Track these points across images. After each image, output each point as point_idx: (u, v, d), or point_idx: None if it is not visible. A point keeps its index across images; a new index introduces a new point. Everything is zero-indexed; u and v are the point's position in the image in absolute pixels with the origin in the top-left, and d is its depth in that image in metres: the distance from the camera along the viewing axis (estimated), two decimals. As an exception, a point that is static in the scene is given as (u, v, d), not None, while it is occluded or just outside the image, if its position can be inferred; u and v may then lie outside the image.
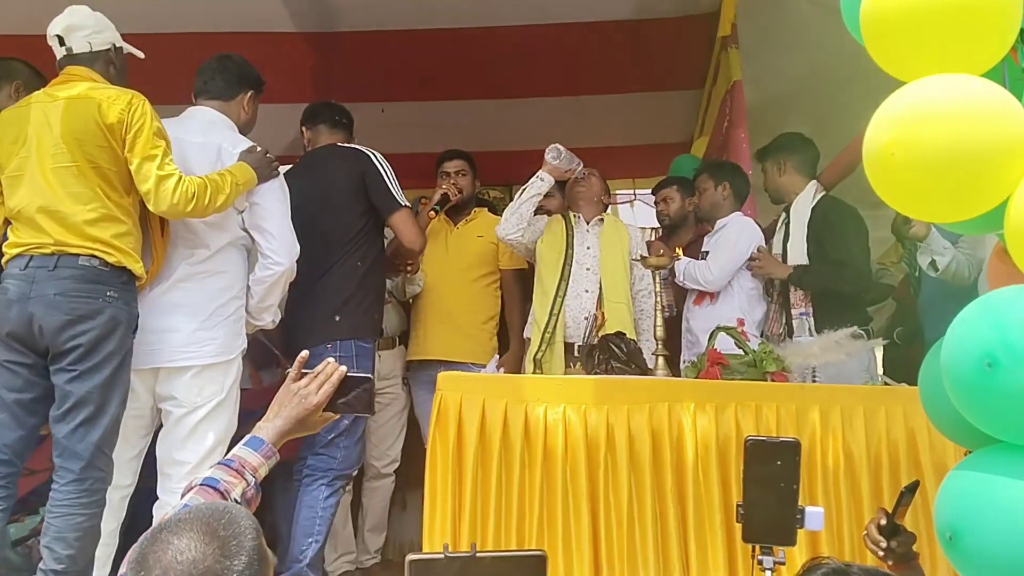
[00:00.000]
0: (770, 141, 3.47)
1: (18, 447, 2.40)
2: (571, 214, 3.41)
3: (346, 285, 3.02)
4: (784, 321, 3.23)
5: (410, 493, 3.91)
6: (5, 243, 2.46)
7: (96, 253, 2.38)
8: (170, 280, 2.62)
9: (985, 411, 1.13)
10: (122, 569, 1.06)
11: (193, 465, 2.53)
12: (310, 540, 2.88)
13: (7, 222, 2.49)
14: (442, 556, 1.40)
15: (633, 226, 3.67)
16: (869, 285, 3.39)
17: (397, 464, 3.71)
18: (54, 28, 2.53)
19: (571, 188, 3.47)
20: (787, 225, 3.36)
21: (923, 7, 1.21)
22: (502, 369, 3.22)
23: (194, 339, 2.60)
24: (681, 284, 3.38)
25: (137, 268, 2.47)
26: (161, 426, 2.68)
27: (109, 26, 2.58)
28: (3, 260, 2.45)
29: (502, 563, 1.47)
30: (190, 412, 2.59)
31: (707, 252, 3.42)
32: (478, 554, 1.41)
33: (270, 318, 2.82)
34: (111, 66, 2.57)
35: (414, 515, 3.88)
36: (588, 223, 3.40)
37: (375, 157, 3.12)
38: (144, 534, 1.07)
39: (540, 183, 3.26)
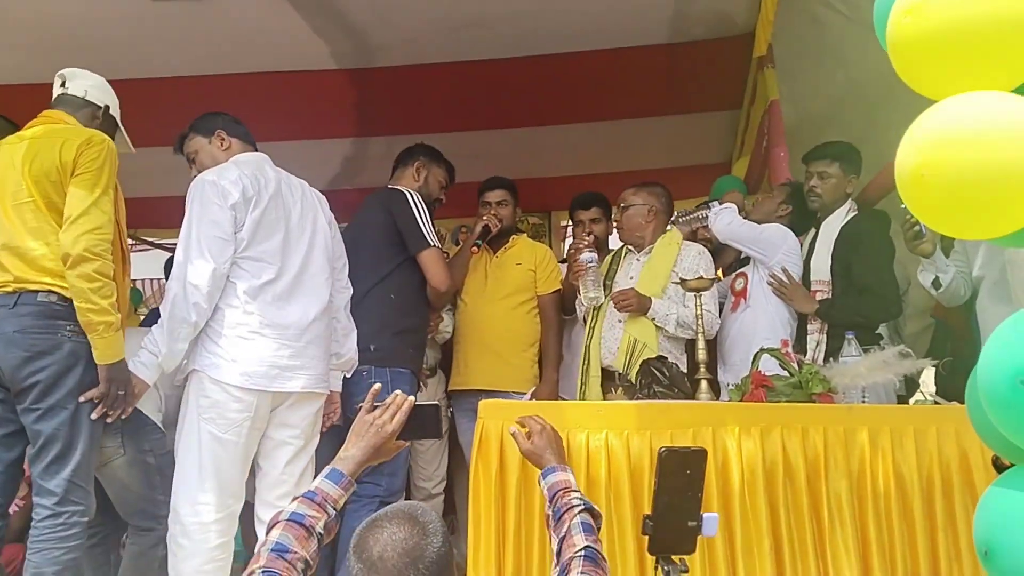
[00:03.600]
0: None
1: None
2: (623, 247, 3.45)
3: (380, 315, 3.09)
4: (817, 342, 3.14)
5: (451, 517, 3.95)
6: None
7: (54, 289, 2.39)
8: (324, 311, 2.78)
9: (1020, 428, 1.11)
10: (349, 552, 1.34)
11: None
12: None
13: None
14: None
15: (691, 243, 3.38)
16: (898, 311, 3.21)
17: (445, 483, 3.79)
18: (62, 71, 2.64)
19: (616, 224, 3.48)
20: (814, 241, 3.27)
21: (948, 23, 1.20)
22: (534, 400, 3.23)
23: (326, 369, 2.80)
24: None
25: None
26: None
27: (110, 93, 2.70)
28: None
29: None
30: (306, 445, 2.71)
31: (743, 275, 3.40)
32: None
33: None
34: (95, 120, 2.63)
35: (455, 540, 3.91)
36: (638, 253, 3.38)
37: (410, 196, 3.22)
38: (361, 524, 1.36)
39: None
